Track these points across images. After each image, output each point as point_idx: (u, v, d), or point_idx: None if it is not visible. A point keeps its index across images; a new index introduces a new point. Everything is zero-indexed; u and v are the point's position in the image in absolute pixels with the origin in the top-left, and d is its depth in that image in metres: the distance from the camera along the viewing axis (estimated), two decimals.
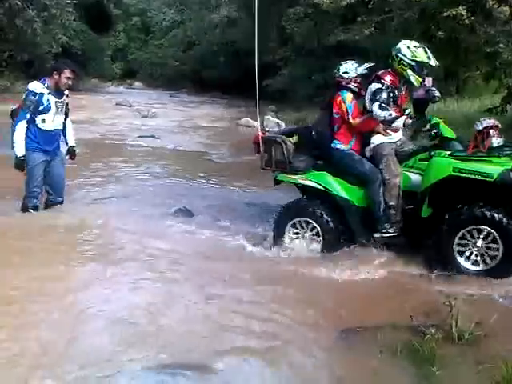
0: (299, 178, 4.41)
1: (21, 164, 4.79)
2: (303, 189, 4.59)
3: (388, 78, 4.24)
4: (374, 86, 4.23)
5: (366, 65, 4.50)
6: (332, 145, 4.40)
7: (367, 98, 4.31)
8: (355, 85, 4.40)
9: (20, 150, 4.76)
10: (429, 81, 10.98)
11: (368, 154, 4.33)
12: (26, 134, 4.80)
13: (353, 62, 4.55)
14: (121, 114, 16.71)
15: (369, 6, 15.29)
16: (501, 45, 13.02)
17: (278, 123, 14.38)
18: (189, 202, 5.80)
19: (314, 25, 19.00)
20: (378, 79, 4.26)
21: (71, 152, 5.24)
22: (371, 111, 4.16)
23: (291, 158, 4.42)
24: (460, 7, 10.31)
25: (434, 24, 9.01)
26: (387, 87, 4.19)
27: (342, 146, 4.37)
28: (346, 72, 4.41)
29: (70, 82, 5.00)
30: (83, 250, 4.14)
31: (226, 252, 4.32)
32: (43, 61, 18.14)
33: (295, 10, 19.88)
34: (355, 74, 4.40)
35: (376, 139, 4.30)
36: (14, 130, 4.77)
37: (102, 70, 33.34)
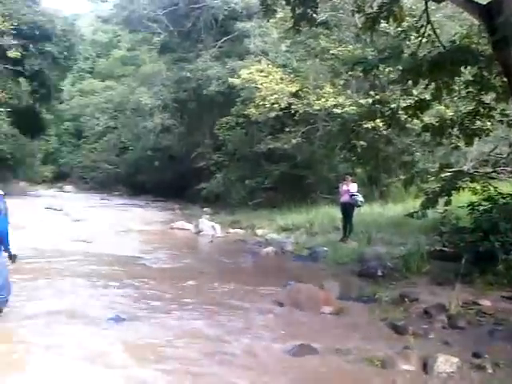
0: None
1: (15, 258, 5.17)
2: None
3: None
4: None
5: None
6: None
7: None
8: None
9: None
10: (353, 187, 11.81)
11: None
12: None
13: None
14: (50, 217, 16.31)
15: (295, 117, 16.52)
16: (417, 153, 14.39)
17: (212, 226, 14.59)
18: (121, 309, 5.70)
19: (245, 134, 20.10)
20: None
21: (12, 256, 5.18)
22: None
23: None
24: (377, 120, 11.40)
25: (355, 135, 9.81)
26: None
27: None
28: None
29: None
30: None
31: None
32: None
33: (227, 119, 21.05)
34: None
35: None
36: (7, 235, 4.96)
37: (31, 173, 32.83)
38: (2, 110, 9.62)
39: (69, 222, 15.48)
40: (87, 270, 8.09)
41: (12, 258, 5.12)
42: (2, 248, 4.94)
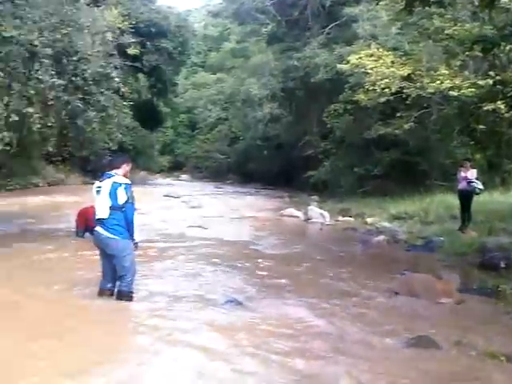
0: None
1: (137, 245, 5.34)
2: None
3: None
4: None
5: None
6: None
7: None
8: None
9: (138, 236, 5.30)
10: (472, 173, 11.05)
11: None
12: (121, 223, 5.10)
13: None
14: (169, 204, 17.36)
15: (406, 101, 15.91)
16: None
17: (321, 214, 14.61)
18: (238, 292, 5.97)
19: (354, 120, 19.75)
20: None
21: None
22: None
23: None
24: (499, 102, 10.63)
25: (474, 118, 9.26)
26: None
27: None
28: None
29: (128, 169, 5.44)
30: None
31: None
32: (99, 157, 19.44)
33: (335, 106, 20.82)
34: None
35: None
36: (133, 222, 5.13)
37: (150, 163, 35.06)
38: (126, 103, 10.50)
39: (186, 209, 16.34)
40: (205, 254, 8.51)
41: (135, 245, 5.33)
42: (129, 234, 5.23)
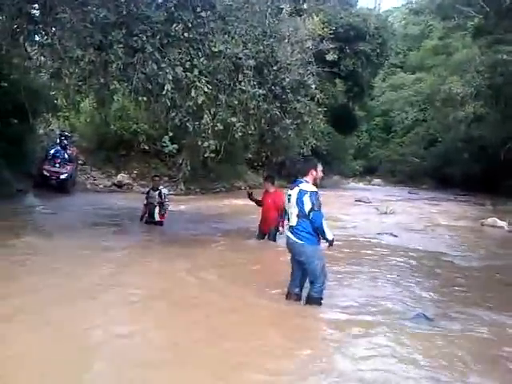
0: None
1: (332, 242, 5.24)
2: None
3: None
4: None
5: None
6: None
7: None
8: None
9: (330, 235, 5.19)
10: None
11: None
12: (309, 230, 5.18)
13: None
14: (359, 210, 17.30)
15: None
16: None
17: None
18: (426, 307, 5.70)
19: None
20: None
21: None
22: None
23: None
24: None
25: None
26: None
27: None
28: None
29: (321, 174, 5.43)
30: None
31: None
32: (291, 163, 20.35)
33: None
34: None
35: None
36: (322, 229, 5.12)
37: (344, 168, 35.32)
38: (320, 110, 10.80)
39: (377, 215, 16.08)
40: (392, 264, 8.31)
41: (330, 243, 5.25)
42: (320, 238, 5.28)
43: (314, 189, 5.21)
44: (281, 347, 4.32)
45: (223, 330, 4.65)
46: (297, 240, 5.25)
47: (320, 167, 5.44)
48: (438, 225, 14.28)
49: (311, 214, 5.10)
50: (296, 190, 5.25)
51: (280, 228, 8.62)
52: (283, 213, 6.14)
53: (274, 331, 4.76)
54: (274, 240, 9.03)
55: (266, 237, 9.27)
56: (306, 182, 5.29)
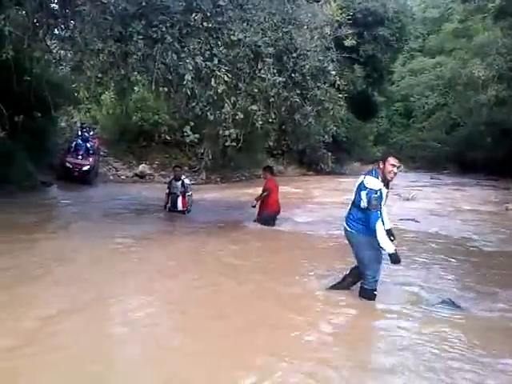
0: None
1: (396, 258, 4.84)
2: None
3: None
4: None
5: None
6: None
7: None
8: None
9: (390, 246, 4.79)
10: None
11: None
12: (358, 220, 4.99)
13: None
14: None
15: None
16: None
17: None
18: (453, 293, 5.66)
19: None
20: None
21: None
22: None
23: None
24: None
25: None
26: None
27: None
28: None
29: (395, 170, 4.88)
30: None
31: None
32: (314, 149, 20.22)
33: None
34: None
35: None
36: (375, 231, 4.74)
37: (364, 154, 35.00)
38: (341, 96, 10.67)
39: (399, 201, 15.93)
40: (415, 250, 8.23)
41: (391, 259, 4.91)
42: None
43: (376, 186, 4.79)
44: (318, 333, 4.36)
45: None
46: (347, 227, 5.15)
47: (392, 161, 4.87)
48: (461, 210, 14.12)
49: (367, 212, 4.82)
50: (360, 179, 4.96)
51: (254, 201, 10.00)
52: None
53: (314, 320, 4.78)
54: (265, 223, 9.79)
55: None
56: (374, 174, 4.90)
